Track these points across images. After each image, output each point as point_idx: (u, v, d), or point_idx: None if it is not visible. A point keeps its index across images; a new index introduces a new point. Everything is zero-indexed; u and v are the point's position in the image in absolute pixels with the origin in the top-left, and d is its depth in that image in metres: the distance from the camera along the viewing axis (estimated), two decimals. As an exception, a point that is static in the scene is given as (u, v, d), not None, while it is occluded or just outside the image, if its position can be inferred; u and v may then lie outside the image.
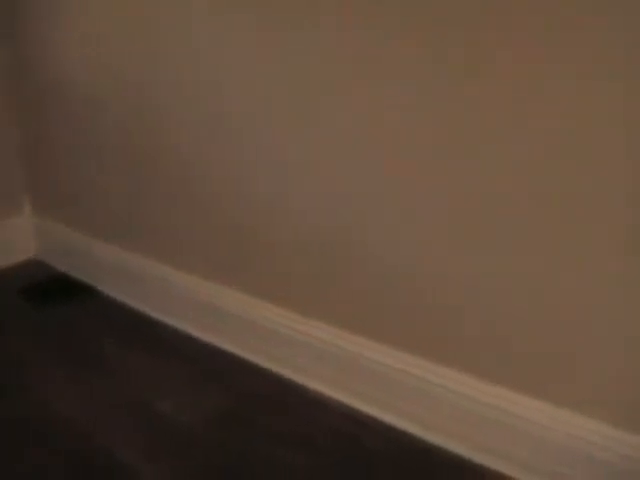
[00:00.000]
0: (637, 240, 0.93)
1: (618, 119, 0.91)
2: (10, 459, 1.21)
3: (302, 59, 1.22)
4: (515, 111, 0.99)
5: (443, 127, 1.07)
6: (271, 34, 1.26)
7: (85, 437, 1.25)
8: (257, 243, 1.43)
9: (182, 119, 1.48)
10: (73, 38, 1.67)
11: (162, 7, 1.43)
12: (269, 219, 1.39)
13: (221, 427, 1.27)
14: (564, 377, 1.05)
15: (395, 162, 1.15)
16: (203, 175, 1.48)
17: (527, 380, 1.09)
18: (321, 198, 1.28)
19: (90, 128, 1.73)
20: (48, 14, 1.71)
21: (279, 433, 1.25)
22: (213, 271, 1.54)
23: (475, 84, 1.02)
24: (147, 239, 1.68)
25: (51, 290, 1.84)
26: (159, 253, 1.65)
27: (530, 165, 1.00)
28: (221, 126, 1.40)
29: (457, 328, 1.15)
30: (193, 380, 1.42)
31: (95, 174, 1.77)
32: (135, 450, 1.21)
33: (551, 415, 1.07)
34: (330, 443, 1.22)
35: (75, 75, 1.71)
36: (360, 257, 1.25)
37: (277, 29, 1.24)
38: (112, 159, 1.70)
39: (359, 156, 1.19)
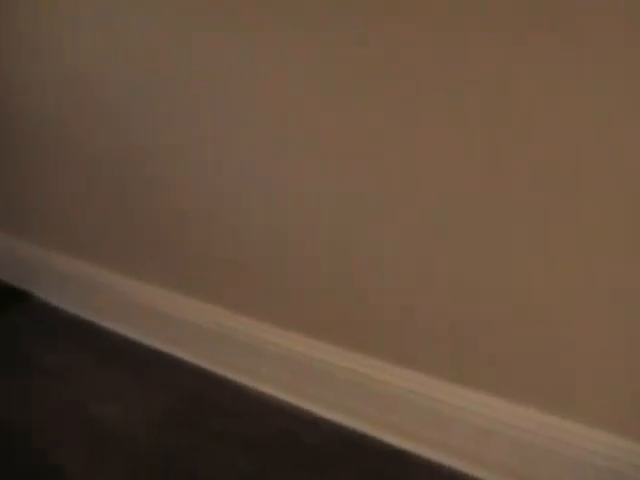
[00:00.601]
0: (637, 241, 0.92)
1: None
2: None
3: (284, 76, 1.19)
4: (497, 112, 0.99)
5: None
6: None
7: (26, 440, 1.22)
8: (201, 249, 1.41)
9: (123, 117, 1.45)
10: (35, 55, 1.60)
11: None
12: (211, 226, 1.37)
13: (165, 430, 1.25)
14: (558, 381, 1.03)
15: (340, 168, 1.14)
16: (146, 179, 1.45)
17: (506, 383, 1.08)
18: (267, 199, 1.27)
19: (25, 129, 1.67)
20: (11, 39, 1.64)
21: (223, 434, 1.23)
22: (155, 275, 1.51)
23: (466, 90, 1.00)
24: (86, 243, 1.63)
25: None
26: (98, 257, 1.61)
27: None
28: (167, 126, 1.38)
29: (406, 326, 1.16)
30: (137, 384, 1.39)
31: (32, 174, 1.70)
32: (77, 454, 1.18)
33: (538, 420, 1.05)
34: (273, 442, 1.21)
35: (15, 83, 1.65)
36: (303, 258, 1.25)
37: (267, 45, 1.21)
38: (48, 159, 1.64)
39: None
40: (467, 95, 1.01)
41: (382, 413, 1.20)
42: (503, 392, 1.08)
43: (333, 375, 1.25)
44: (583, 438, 1.02)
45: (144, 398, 1.34)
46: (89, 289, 1.63)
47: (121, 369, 1.44)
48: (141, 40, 1.37)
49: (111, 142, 1.49)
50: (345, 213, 1.18)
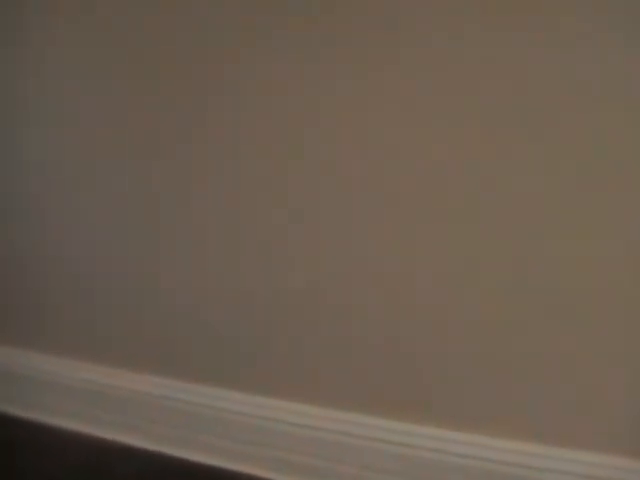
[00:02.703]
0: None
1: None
2: None
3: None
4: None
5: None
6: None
7: None
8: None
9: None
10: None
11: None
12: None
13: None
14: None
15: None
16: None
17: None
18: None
19: None
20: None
21: (28, 472, 1.19)
22: None
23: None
24: None
25: None
26: None
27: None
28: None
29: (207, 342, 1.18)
30: None
31: None
32: None
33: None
34: (81, 476, 1.18)
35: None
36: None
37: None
38: None
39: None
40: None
41: (196, 435, 1.20)
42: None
43: (137, 402, 1.23)
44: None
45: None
46: None
47: None
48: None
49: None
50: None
